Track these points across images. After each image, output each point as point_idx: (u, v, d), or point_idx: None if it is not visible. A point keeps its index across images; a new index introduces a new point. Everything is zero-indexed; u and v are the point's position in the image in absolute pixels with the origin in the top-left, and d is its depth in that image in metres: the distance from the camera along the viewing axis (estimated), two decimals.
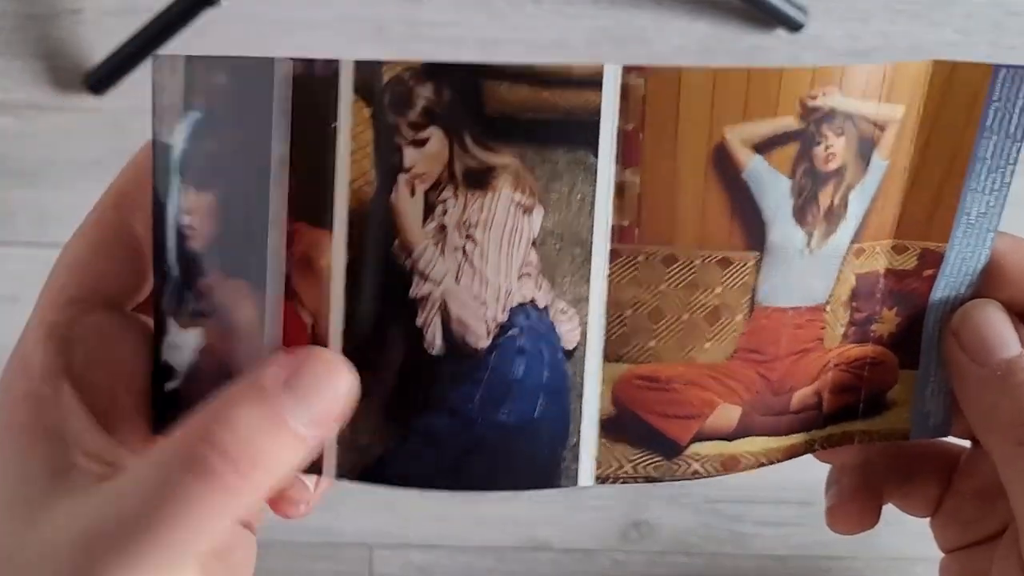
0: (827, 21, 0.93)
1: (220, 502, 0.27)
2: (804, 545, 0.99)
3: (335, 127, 0.28)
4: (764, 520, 0.99)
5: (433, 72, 0.27)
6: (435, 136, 0.28)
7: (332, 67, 0.27)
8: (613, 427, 0.30)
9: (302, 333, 0.29)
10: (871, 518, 0.36)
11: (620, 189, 0.28)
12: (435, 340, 0.29)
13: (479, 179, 0.28)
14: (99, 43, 0.91)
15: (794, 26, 0.92)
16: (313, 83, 0.28)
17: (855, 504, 0.36)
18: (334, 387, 0.28)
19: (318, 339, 0.29)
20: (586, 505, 1.00)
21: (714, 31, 0.93)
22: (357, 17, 0.92)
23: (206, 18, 0.87)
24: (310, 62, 0.27)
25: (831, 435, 0.33)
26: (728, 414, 0.30)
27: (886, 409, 0.33)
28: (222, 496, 0.26)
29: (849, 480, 0.36)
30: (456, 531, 1.00)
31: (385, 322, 0.29)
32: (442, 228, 0.28)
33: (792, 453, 0.32)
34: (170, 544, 0.26)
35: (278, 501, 0.32)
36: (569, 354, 0.29)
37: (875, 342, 0.32)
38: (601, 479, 0.30)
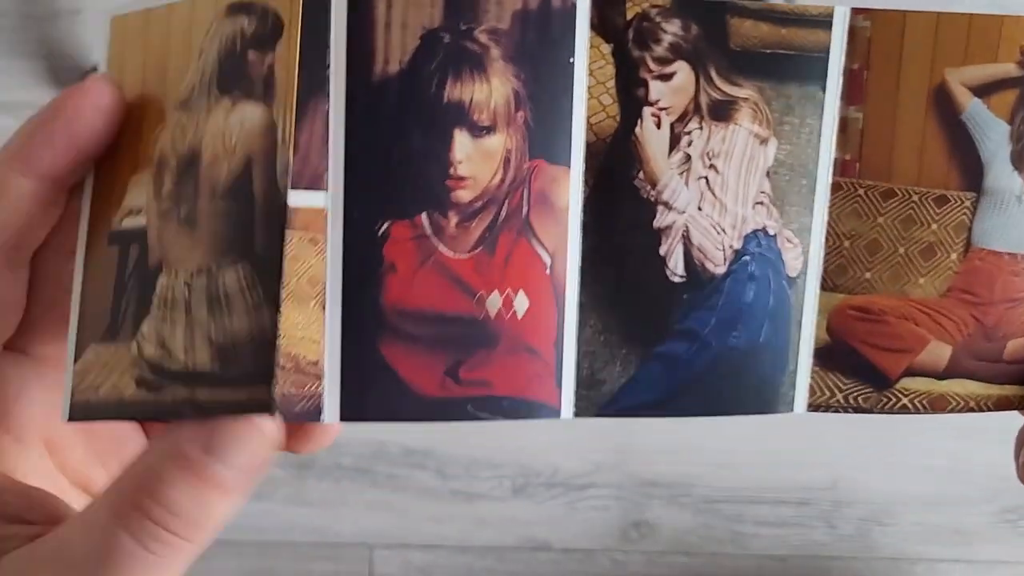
0: None
1: (177, 564, 0.28)
2: (804, 545, 1.02)
3: (572, 62, 0.30)
4: (764, 520, 1.02)
5: (681, 8, 0.30)
6: (682, 70, 0.30)
7: (569, 1, 0.30)
8: (827, 356, 0.32)
9: (542, 272, 0.31)
10: None
11: (844, 124, 0.31)
12: (677, 267, 0.31)
13: (722, 111, 0.31)
14: (99, 43, 0.92)
15: None
16: (551, 17, 0.30)
17: None
18: (255, 439, 0.29)
19: (556, 277, 0.31)
20: (586, 505, 1.03)
21: None
22: None
23: None
24: None
25: None
26: (939, 351, 0.33)
27: None
28: (179, 563, 0.28)
29: None
30: (456, 531, 1.01)
31: (627, 254, 0.31)
32: (687, 158, 0.31)
33: (1003, 404, 0.34)
34: None
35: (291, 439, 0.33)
36: (791, 281, 0.32)
37: None
38: (813, 407, 0.33)
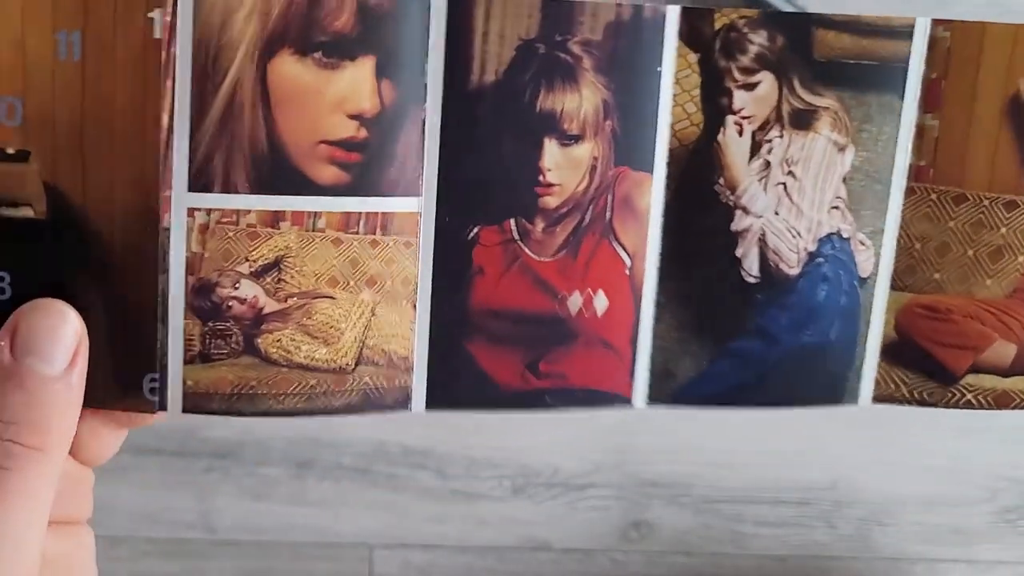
0: None
1: (36, 477, 0.29)
2: (804, 545, 1.04)
3: (660, 71, 0.32)
4: (764, 520, 1.03)
5: (768, 19, 0.32)
6: (766, 80, 0.32)
7: (660, 12, 0.32)
8: (893, 352, 0.35)
9: (621, 273, 0.33)
10: None
11: (920, 131, 0.33)
12: (752, 269, 0.33)
13: (803, 120, 0.32)
14: None
15: None
16: (641, 28, 0.32)
17: None
18: (63, 330, 0.30)
19: (635, 277, 0.33)
20: (586, 505, 1.03)
21: None
22: None
23: None
24: (638, 6, 0.32)
25: None
26: (1004, 350, 0.35)
27: None
28: (36, 474, 0.29)
29: None
30: (456, 531, 1.02)
31: (705, 255, 0.33)
32: (767, 165, 0.33)
33: None
34: (10, 532, 0.29)
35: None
36: (863, 281, 0.34)
37: None
38: (878, 399, 0.35)
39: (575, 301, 0.33)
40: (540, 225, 0.33)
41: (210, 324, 0.32)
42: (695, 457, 0.97)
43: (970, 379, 0.35)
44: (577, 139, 0.32)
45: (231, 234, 0.32)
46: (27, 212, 0.31)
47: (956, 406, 0.35)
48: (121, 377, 0.31)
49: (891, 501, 0.96)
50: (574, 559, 1.01)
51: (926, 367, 0.35)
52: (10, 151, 0.30)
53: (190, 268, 0.31)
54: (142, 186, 0.31)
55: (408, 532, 1.00)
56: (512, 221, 0.33)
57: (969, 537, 0.96)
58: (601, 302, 0.33)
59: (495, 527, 1.01)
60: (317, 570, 0.99)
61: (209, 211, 0.31)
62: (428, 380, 0.33)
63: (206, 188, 0.31)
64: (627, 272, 0.33)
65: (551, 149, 0.32)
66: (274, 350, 0.32)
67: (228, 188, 0.31)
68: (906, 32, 0.32)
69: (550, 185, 0.32)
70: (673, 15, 0.32)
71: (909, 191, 0.34)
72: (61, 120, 0.30)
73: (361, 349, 0.32)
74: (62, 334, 0.30)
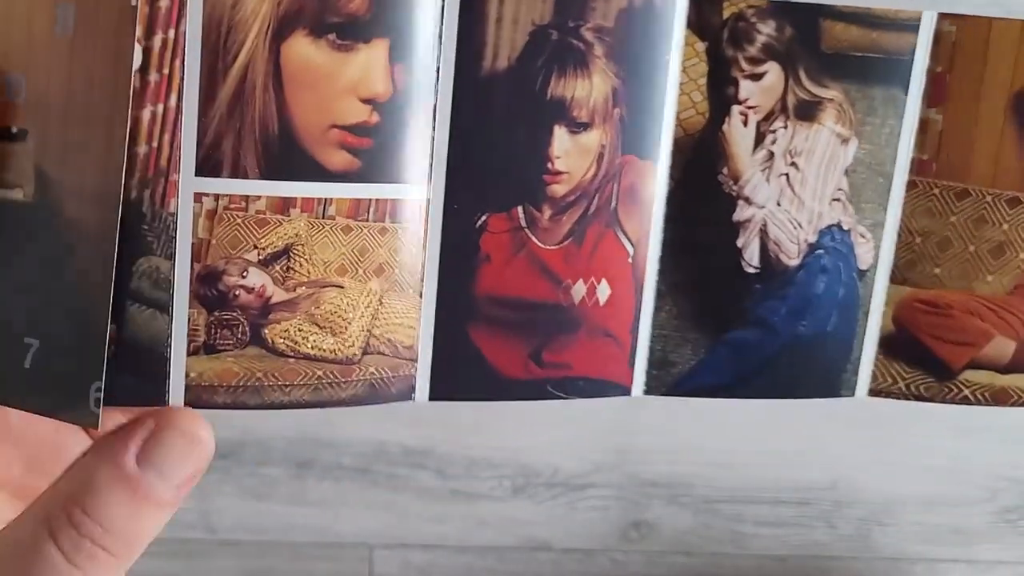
0: None
1: None
2: (804, 545, 1.04)
3: (668, 59, 0.32)
4: (764, 520, 1.04)
5: (777, 9, 0.32)
6: (772, 70, 0.33)
7: (670, 0, 0.32)
8: (891, 345, 0.35)
9: (624, 261, 0.33)
10: None
11: (923, 125, 0.34)
12: (752, 259, 0.34)
13: (808, 111, 0.33)
14: None
15: None
16: (653, 15, 0.32)
17: None
18: (195, 456, 0.30)
19: (637, 266, 0.34)
20: (586, 505, 1.04)
21: None
22: None
23: None
24: None
25: None
26: (1003, 347, 0.35)
27: None
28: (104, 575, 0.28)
29: None
30: (456, 531, 1.02)
31: (706, 245, 0.33)
32: (770, 156, 0.33)
33: None
34: None
35: None
36: (862, 274, 0.34)
37: None
38: (875, 392, 0.35)
39: (579, 289, 0.33)
40: (547, 213, 0.33)
41: (216, 314, 0.31)
42: (695, 457, 0.98)
43: (968, 375, 0.35)
44: (586, 126, 0.32)
45: (239, 220, 0.31)
46: (17, 195, 0.30)
47: (953, 401, 0.35)
48: (68, 382, 0.30)
49: (891, 501, 0.96)
50: (574, 559, 1.01)
51: (924, 362, 0.35)
52: (14, 130, 0.30)
53: (196, 255, 0.31)
54: (109, 169, 0.30)
55: (408, 532, 1.00)
56: (520, 208, 0.33)
57: (969, 537, 0.96)
58: (604, 290, 0.33)
59: (495, 527, 1.02)
60: (317, 570, 0.99)
61: (217, 196, 0.31)
62: (432, 370, 0.33)
63: (214, 172, 0.31)
64: (629, 261, 0.33)
65: (560, 136, 0.32)
66: (281, 340, 0.32)
67: (237, 173, 0.31)
68: (912, 25, 0.33)
69: (558, 173, 0.33)
70: (683, 3, 0.32)
71: (911, 185, 0.34)
72: (54, 98, 0.30)
73: (368, 339, 0.33)
74: (193, 460, 0.30)
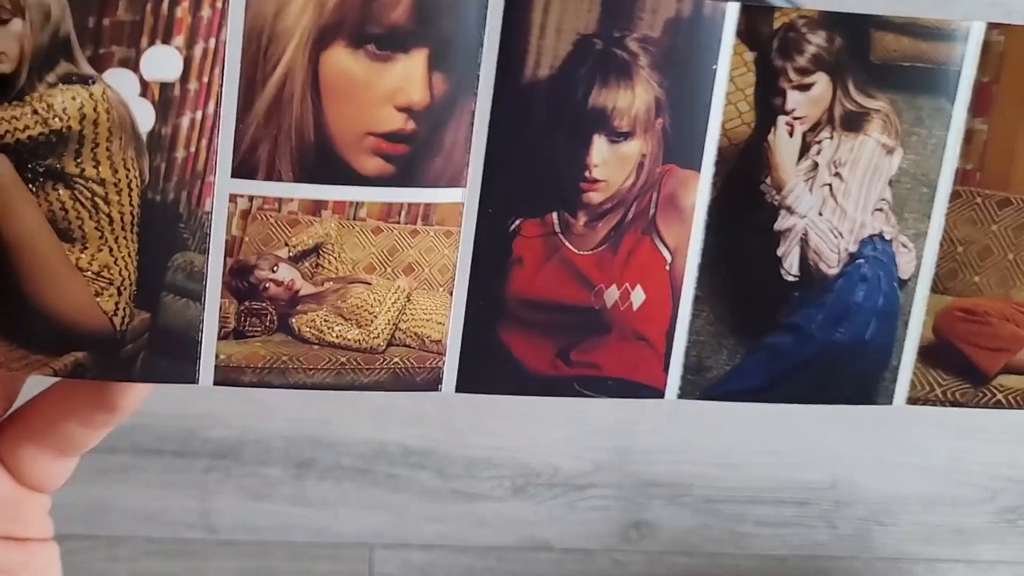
0: None
1: None
2: (804, 545, 1.04)
3: (715, 69, 0.32)
4: (764, 520, 1.04)
5: (827, 20, 0.32)
6: (821, 81, 0.32)
7: (719, 9, 0.31)
8: (930, 354, 0.35)
9: (661, 268, 0.33)
10: None
11: (969, 135, 0.33)
12: (792, 267, 0.33)
13: (854, 122, 0.32)
14: None
15: None
16: (700, 25, 0.31)
17: None
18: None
19: (675, 272, 0.33)
20: (586, 505, 1.04)
21: None
22: None
23: None
24: (699, 2, 0.31)
25: None
26: None
27: None
28: None
29: None
30: (456, 531, 1.02)
31: (746, 253, 0.33)
32: (814, 166, 0.33)
33: None
34: None
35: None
36: (903, 283, 0.34)
37: None
38: (912, 400, 0.35)
39: (611, 294, 0.33)
40: (583, 219, 0.33)
41: (246, 304, 0.32)
42: (695, 457, 0.98)
43: (1001, 379, 0.35)
44: (627, 136, 0.32)
45: (272, 220, 0.32)
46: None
47: (987, 406, 0.35)
48: None
49: (891, 501, 0.96)
50: (574, 559, 1.01)
51: (960, 368, 0.35)
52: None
53: (229, 250, 0.31)
54: None
55: (408, 532, 1.00)
56: (555, 214, 0.33)
57: (969, 537, 0.96)
58: (639, 296, 0.33)
59: (495, 527, 1.02)
60: (317, 570, 0.99)
61: (251, 197, 0.31)
62: (460, 363, 0.33)
63: (250, 175, 0.31)
64: (667, 267, 0.33)
65: (599, 146, 0.32)
66: (307, 329, 0.33)
67: (272, 176, 0.31)
68: (961, 35, 0.32)
69: (596, 181, 0.32)
70: (733, 12, 0.31)
71: (955, 195, 0.34)
72: None
73: (394, 332, 0.33)
74: None
